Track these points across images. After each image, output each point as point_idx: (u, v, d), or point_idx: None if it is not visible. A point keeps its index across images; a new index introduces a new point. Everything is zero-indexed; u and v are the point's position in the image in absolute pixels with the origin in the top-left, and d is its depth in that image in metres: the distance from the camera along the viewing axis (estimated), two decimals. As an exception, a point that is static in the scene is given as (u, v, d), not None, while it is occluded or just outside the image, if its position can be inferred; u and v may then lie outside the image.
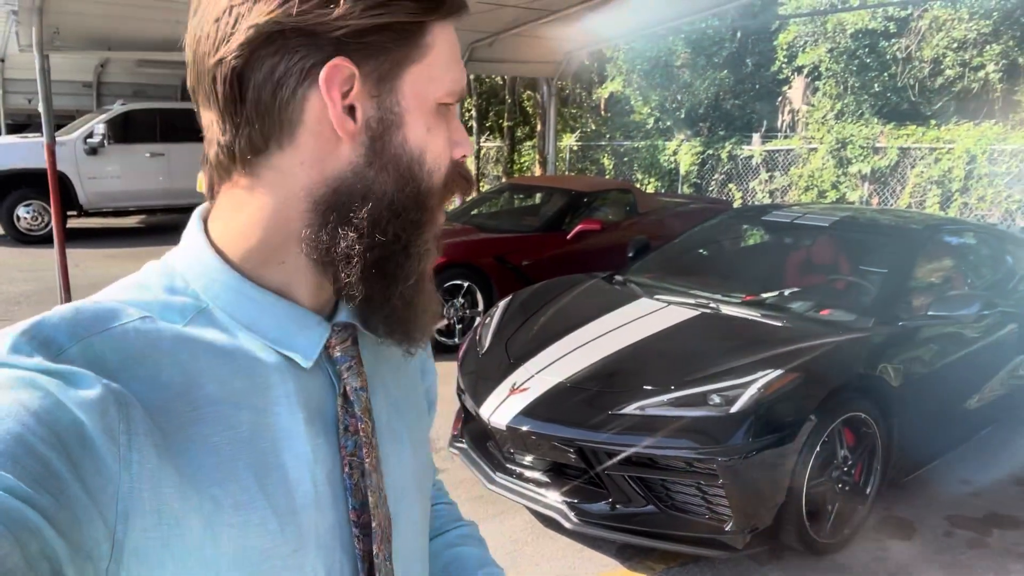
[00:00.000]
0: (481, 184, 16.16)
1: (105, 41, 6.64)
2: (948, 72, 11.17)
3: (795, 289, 3.81)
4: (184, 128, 10.43)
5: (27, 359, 0.47)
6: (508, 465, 3.14)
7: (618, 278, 4.21)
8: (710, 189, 12.60)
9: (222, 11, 0.53)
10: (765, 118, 13.89)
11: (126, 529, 0.47)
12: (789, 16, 12.33)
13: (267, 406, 0.56)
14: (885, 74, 11.65)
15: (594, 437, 2.85)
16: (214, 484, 0.52)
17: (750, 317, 3.47)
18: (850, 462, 3.05)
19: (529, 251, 6.01)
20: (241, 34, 0.52)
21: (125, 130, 10.27)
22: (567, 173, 14.28)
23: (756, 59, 13.63)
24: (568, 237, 6.21)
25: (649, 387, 2.97)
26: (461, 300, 5.61)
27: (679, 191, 12.63)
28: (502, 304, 4.07)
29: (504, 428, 3.04)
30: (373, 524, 0.61)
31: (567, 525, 2.88)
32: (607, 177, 13.74)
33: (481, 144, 16.78)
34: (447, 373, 3.85)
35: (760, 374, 2.86)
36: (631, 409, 2.88)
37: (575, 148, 15.52)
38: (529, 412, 3.02)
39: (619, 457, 2.79)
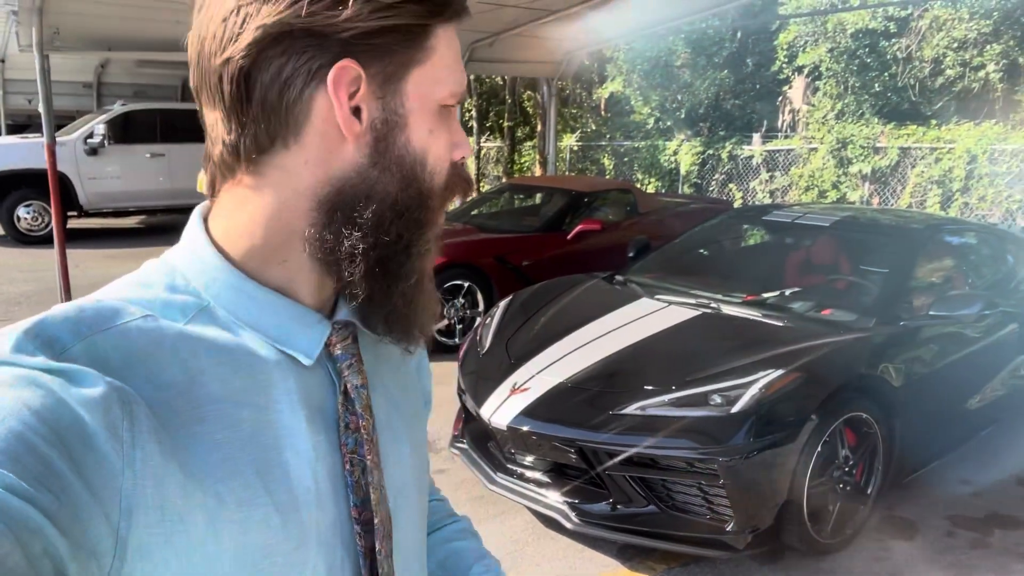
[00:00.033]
0: (481, 184, 16.16)
1: (105, 41, 6.64)
2: (948, 72, 11.17)
3: (796, 289, 3.80)
4: (184, 128, 10.43)
5: (30, 358, 0.47)
6: (509, 465, 3.14)
7: (619, 278, 4.21)
8: (710, 189, 12.59)
9: (229, 11, 0.54)
10: (765, 118, 13.89)
11: (130, 526, 0.47)
12: (789, 16, 12.33)
13: (268, 404, 0.56)
14: (885, 74, 11.65)
15: (595, 437, 2.84)
16: (218, 481, 0.52)
17: (751, 317, 3.46)
18: (851, 462, 3.04)
19: (529, 251, 6.01)
20: (249, 34, 0.53)
21: (125, 130, 10.26)
22: (567, 173, 14.27)
23: (756, 59, 13.63)
24: (568, 237, 6.20)
25: (650, 387, 2.97)
26: (461, 300, 5.61)
27: (679, 191, 12.63)
28: (502, 304, 4.07)
29: (505, 428, 3.03)
30: (375, 521, 0.62)
31: (568, 525, 2.87)
32: (607, 177, 13.73)
33: (481, 144, 16.78)
34: (448, 373, 3.85)
35: (761, 374, 2.86)
36: (632, 409, 2.87)
37: (575, 148, 15.52)
38: (530, 412, 3.01)
39: (620, 457, 2.78)
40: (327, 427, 0.60)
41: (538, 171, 12.60)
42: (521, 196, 8.14)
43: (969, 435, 3.75)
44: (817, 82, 12.35)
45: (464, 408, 3.49)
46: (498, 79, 15.98)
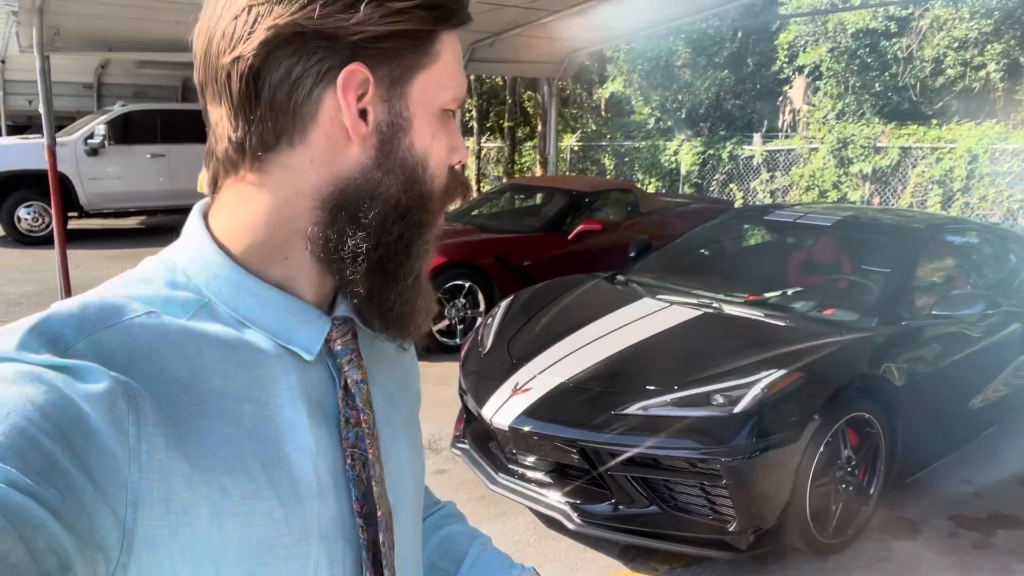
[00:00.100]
0: (482, 184, 16.16)
1: (105, 42, 6.64)
2: (949, 71, 11.16)
3: (798, 289, 3.80)
4: (185, 129, 10.43)
5: (35, 355, 0.48)
6: (510, 466, 3.13)
7: (620, 278, 4.20)
8: (711, 189, 12.58)
9: (240, 9, 0.55)
10: (766, 118, 13.89)
11: (136, 518, 0.48)
12: (790, 16, 12.32)
13: (269, 398, 0.57)
14: (886, 74, 11.64)
15: (597, 437, 2.84)
16: (224, 473, 0.53)
17: (753, 317, 3.46)
18: (854, 462, 3.04)
19: (530, 251, 6.00)
20: (260, 33, 0.54)
21: (125, 131, 10.26)
22: (568, 173, 14.27)
23: (757, 59, 13.62)
24: (569, 237, 6.20)
25: (652, 387, 2.96)
26: (462, 300, 5.61)
27: (680, 191, 12.62)
28: (504, 304, 4.07)
29: (506, 429, 3.03)
30: (378, 513, 0.63)
31: (570, 526, 2.87)
32: (608, 177, 13.73)
33: (482, 144, 16.77)
34: (449, 373, 3.85)
35: (763, 374, 2.85)
36: (634, 409, 2.87)
37: (576, 148, 15.51)
38: (531, 412, 3.01)
39: (622, 456, 2.78)
40: (327, 422, 0.61)
41: (539, 171, 12.60)
42: (522, 196, 8.14)
43: (971, 435, 3.75)
44: (818, 82, 12.34)
45: (465, 408, 3.49)
46: (498, 79, 15.98)
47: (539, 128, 13.27)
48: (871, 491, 3.13)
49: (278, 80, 0.55)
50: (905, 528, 3.26)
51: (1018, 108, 10.55)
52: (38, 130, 9.27)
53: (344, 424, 0.62)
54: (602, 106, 17.10)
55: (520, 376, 3.22)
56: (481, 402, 3.20)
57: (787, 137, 12.73)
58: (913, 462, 3.35)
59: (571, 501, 2.91)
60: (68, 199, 9.42)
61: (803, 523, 2.83)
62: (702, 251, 4.96)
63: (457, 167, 0.65)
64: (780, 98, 14.08)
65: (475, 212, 7.23)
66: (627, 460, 2.78)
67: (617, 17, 7.63)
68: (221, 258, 0.59)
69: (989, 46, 10.72)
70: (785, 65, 12.75)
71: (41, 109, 5.96)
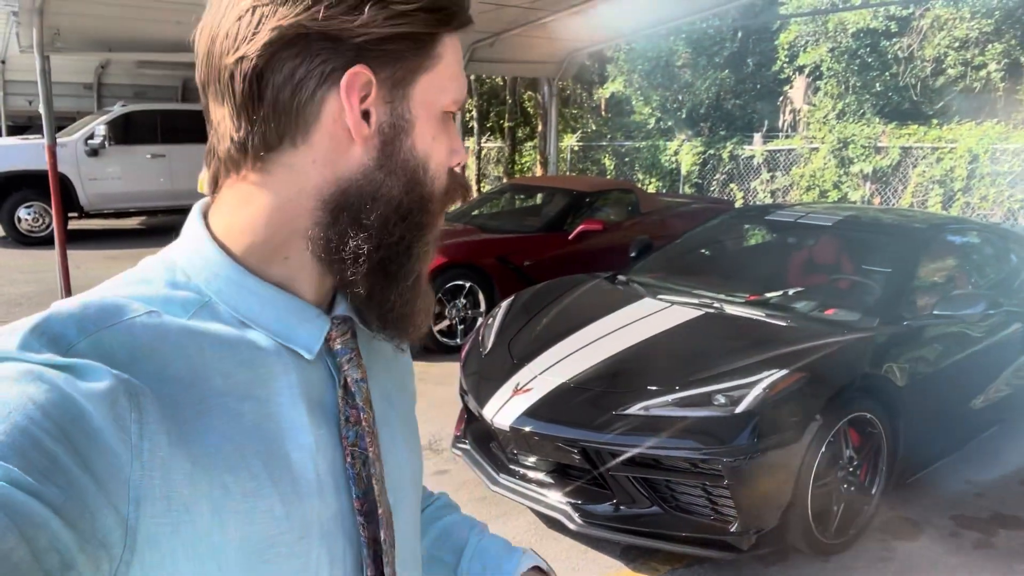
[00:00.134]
0: (482, 185, 16.15)
1: (106, 42, 6.63)
2: (950, 71, 11.16)
3: (799, 289, 3.79)
4: (185, 129, 10.43)
5: (37, 355, 0.48)
6: (511, 466, 3.13)
7: (621, 278, 4.20)
8: (711, 189, 12.57)
9: (244, 10, 0.55)
10: (766, 118, 13.88)
11: (138, 516, 0.48)
12: (790, 15, 12.32)
13: (270, 397, 0.58)
14: (887, 73, 11.64)
15: (598, 438, 2.83)
16: (226, 471, 0.53)
17: (754, 317, 3.45)
18: (855, 462, 3.03)
19: (531, 251, 6.00)
20: (265, 34, 0.54)
21: (126, 131, 10.26)
22: (568, 173, 14.26)
23: (757, 59, 13.62)
24: (570, 237, 6.19)
25: (653, 387, 2.96)
26: (463, 300, 5.60)
27: (680, 191, 12.61)
28: (504, 304, 4.06)
29: (507, 429, 3.02)
30: (379, 511, 0.63)
31: (571, 526, 2.86)
32: (608, 177, 13.72)
33: (482, 145, 16.77)
34: (449, 374, 3.85)
35: (765, 374, 2.85)
36: (635, 410, 2.86)
37: (576, 148, 15.50)
38: (533, 413, 3.00)
39: (623, 457, 2.77)
40: (327, 420, 0.61)
41: (539, 171, 12.59)
42: (522, 196, 8.13)
43: (973, 435, 3.74)
44: (818, 82, 12.34)
45: (466, 409, 3.48)
46: (498, 79, 15.98)
47: (539, 128, 13.26)
48: (873, 491, 3.12)
49: (282, 81, 0.55)
50: (907, 528, 3.26)
51: (1019, 108, 10.54)
52: (38, 130, 9.26)
53: (344, 423, 0.62)
54: (602, 106, 17.10)
55: (521, 376, 3.22)
56: (482, 402, 3.19)
57: (787, 137, 12.72)
58: (915, 462, 3.35)
59: (572, 501, 2.90)
60: (68, 199, 9.42)
61: (805, 523, 2.83)
62: (703, 251, 4.95)
63: (457, 169, 0.65)
64: (780, 98, 14.08)
65: (476, 212, 7.22)
66: (628, 460, 2.78)
67: (617, 17, 7.63)
68: (221, 257, 0.59)
69: (990, 46, 10.71)
70: (785, 65, 12.74)
71: (41, 109, 5.96)
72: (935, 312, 3.34)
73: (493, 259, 5.76)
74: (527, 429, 2.97)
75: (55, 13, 5.76)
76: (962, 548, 3.11)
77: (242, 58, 0.55)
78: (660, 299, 3.72)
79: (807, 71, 12.61)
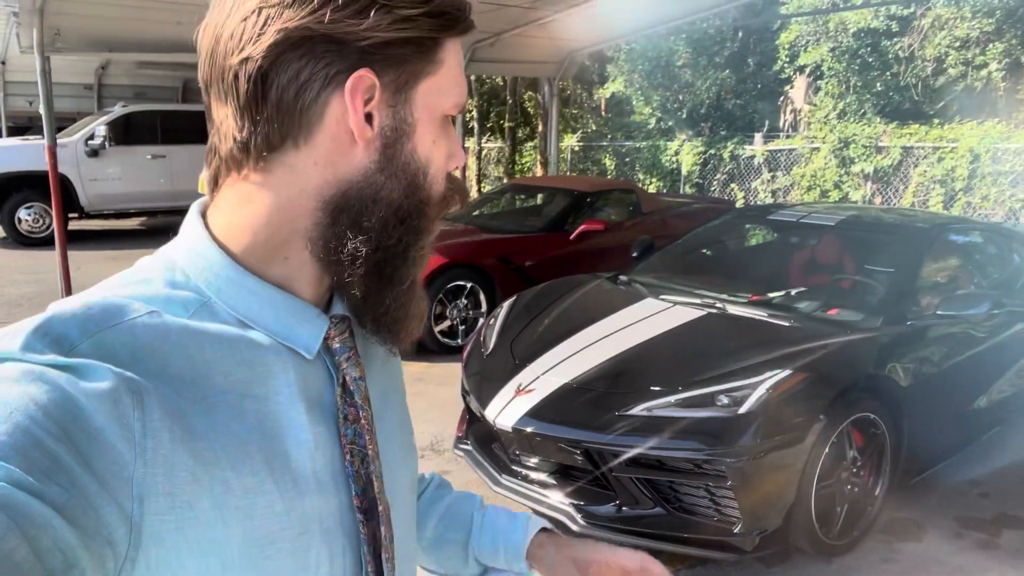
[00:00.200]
0: (483, 185, 16.14)
1: (106, 43, 6.62)
2: (951, 71, 11.15)
3: (802, 289, 3.78)
4: (185, 130, 10.43)
5: (39, 355, 0.48)
6: (514, 467, 3.12)
7: (623, 278, 4.18)
8: (712, 189, 12.56)
9: (250, 11, 0.55)
10: (767, 118, 13.88)
11: (142, 513, 0.49)
12: (791, 15, 12.31)
13: (269, 395, 0.58)
14: (887, 73, 11.63)
15: (601, 438, 2.82)
16: (228, 468, 0.53)
17: (757, 317, 3.44)
18: (859, 463, 3.02)
19: (532, 252, 5.99)
20: (270, 36, 0.54)
21: (126, 132, 10.27)
22: (568, 174, 14.25)
23: (758, 58, 13.61)
24: (571, 237, 6.18)
25: (656, 388, 2.95)
26: (464, 301, 5.59)
27: (681, 191, 12.60)
28: (506, 305, 4.05)
29: (510, 429, 3.01)
30: (379, 508, 0.64)
31: (574, 527, 2.85)
32: (609, 177, 13.71)
33: (482, 145, 16.76)
34: (451, 374, 3.84)
35: (768, 374, 2.83)
36: (638, 410, 2.85)
37: (576, 148, 15.49)
38: (535, 413, 2.99)
39: (625, 456, 2.76)
40: (326, 418, 0.62)
41: (539, 171, 12.58)
42: (523, 196, 8.12)
43: (977, 435, 3.73)
44: (819, 81, 12.33)
45: (468, 409, 3.47)
46: (499, 79, 15.97)
47: (540, 128, 13.26)
48: (876, 492, 3.11)
49: (286, 82, 0.55)
50: (910, 529, 3.24)
51: (1020, 107, 10.53)
52: (39, 131, 9.24)
53: (343, 420, 0.63)
54: (603, 106, 17.09)
55: (523, 377, 3.21)
56: (484, 403, 3.18)
57: (788, 137, 12.71)
58: (918, 462, 3.33)
59: (575, 502, 2.89)
60: (69, 200, 9.42)
61: (808, 524, 2.82)
62: (705, 251, 4.94)
63: (455, 173, 0.66)
64: (781, 98, 14.08)
65: (477, 212, 7.21)
66: (631, 461, 2.77)
67: (618, 17, 7.62)
68: (221, 257, 0.59)
69: (991, 45, 10.70)
70: (786, 65, 12.74)
71: (42, 110, 5.95)
72: (939, 312, 3.32)
73: (494, 259, 5.75)
74: (529, 430, 2.96)
75: (55, 13, 5.75)
76: (966, 549, 3.10)
77: (247, 59, 0.55)
78: (662, 299, 3.71)
79: (808, 71, 12.61)
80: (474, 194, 13.72)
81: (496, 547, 0.87)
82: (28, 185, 9.49)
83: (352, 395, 0.64)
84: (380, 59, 0.56)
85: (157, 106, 11.25)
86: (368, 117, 0.58)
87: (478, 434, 3.37)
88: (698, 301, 3.64)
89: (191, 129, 10.45)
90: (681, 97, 13.93)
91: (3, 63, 12.97)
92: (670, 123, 14.11)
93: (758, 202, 11.64)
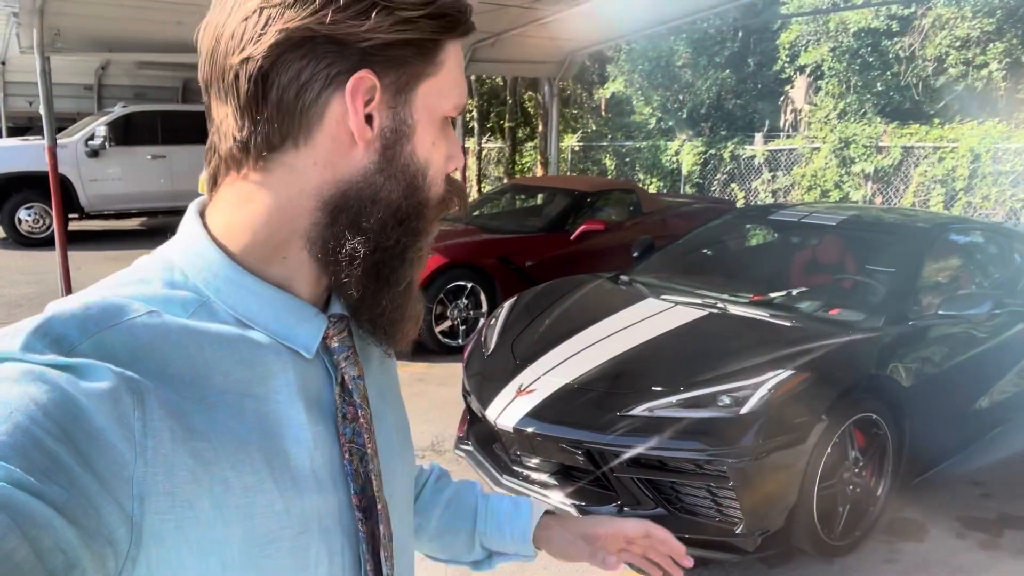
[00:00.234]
0: (483, 185, 16.14)
1: (106, 43, 6.62)
2: (951, 71, 11.14)
3: (803, 289, 3.78)
4: (185, 130, 10.43)
5: (39, 356, 0.48)
6: (515, 468, 3.11)
7: (623, 278, 4.18)
8: (712, 189, 12.56)
9: (251, 11, 0.55)
10: (767, 118, 13.87)
11: (143, 512, 0.49)
12: (791, 15, 12.31)
13: (268, 394, 0.58)
14: (888, 73, 11.62)
15: (602, 439, 2.82)
16: (228, 467, 0.54)
17: (758, 317, 3.43)
18: (861, 463, 3.02)
19: (533, 252, 5.98)
20: (271, 36, 0.55)
21: (126, 132, 10.27)
22: (568, 174, 14.25)
23: (758, 58, 13.61)
24: (572, 237, 6.18)
25: (657, 388, 2.94)
26: (465, 301, 5.59)
27: (681, 191, 12.60)
28: (507, 305, 4.04)
29: (511, 430, 3.00)
30: (378, 506, 0.64)
31: (575, 528, 2.84)
32: (609, 177, 13.71)
33: (482, 145, 16.75)
34: (452, 375, 3.84)
35: (770, 375, 2.83)
36: (639, 410, 2.85)
37: (576, 149, 15.48)
38: (536, 414, 2.99)
39: (626, 456, 2.76)
40: (324, 417, 0.62)
41: (539, 171, 12.58)
42: (523, 196, 8.12)
43: (978, 435, 3.72)
44: (819, 81, 12.32)
45: (469, 410, 3.47)
46: (499, 79, 15.96)
47: (540, 128, 13.26)
48: (878, 492, 3.11)
49: (287, 82, 0.55)
50: (912, 529, 3.24)
51: (1021, 107, 10.52)
52: (39, 132, 9.24)
53: (341, 419, 0.63)
54: (603, 106, 17.09)
55: (524, 377, 3.20)
56: (485, 403, 3.18)
57: (789, 137, 12.71)
58: (920, 463, 3.33)
59: (576, 503, 2.88)
60: (69, 201, 9.41)
61: (810, 525, 2.81)
62: (706, 251, 4.94)
63: (454, 174, 0.67)
64: (781, 98, 14.07)
65: (477, 212, 7.21)
66: (632, 461, 2.76)
67: (618, 16, 7.61)
68: (220, 257, 0.59)
69: (991, 45, 10.69)
70: (786, 65, 12.73)
71: (42, 110, 5.94)
72: (940, 312, 3.32)
73: (495, 259, 5.74)
74: (530, 430, 2.95)
75: (55, 13, 5.75)
76: (968, 549, 3.09)
77: (248, 58, 0.55)
78: (663, 299, 3.70)
79: (808, 71, 12.60)
80: (474, 194, 13.73)
81: (502, 533, 0.91)
82: (28, 185, 9.49)
83: (351, 394, 0.64)
84: (381, 60, 0.57)
85: (157, 106, 11.25)
86: (368, 118, 0.58)
87: (479, 434, 3.37)
88: (699, 301, 3.63)
89: (191, 129, 10.45)
90: (681, 97, 13.92)
91: (3, 63, 12.97)
92: (670, 123, 14.10)
93: (758, 202, 11.63)
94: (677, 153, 13.10)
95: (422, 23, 0.57)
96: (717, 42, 13.33)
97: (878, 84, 11.59)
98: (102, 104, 13.06)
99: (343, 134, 0.57)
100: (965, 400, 3.59)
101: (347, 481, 0.63)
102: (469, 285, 5.58)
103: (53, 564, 0.42)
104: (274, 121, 0.56)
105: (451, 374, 3.89)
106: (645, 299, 3.74)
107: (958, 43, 10.90)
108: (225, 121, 0.58)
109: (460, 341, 5.50)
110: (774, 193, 11.82)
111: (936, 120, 10.52)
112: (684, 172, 12.89)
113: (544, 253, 6.00)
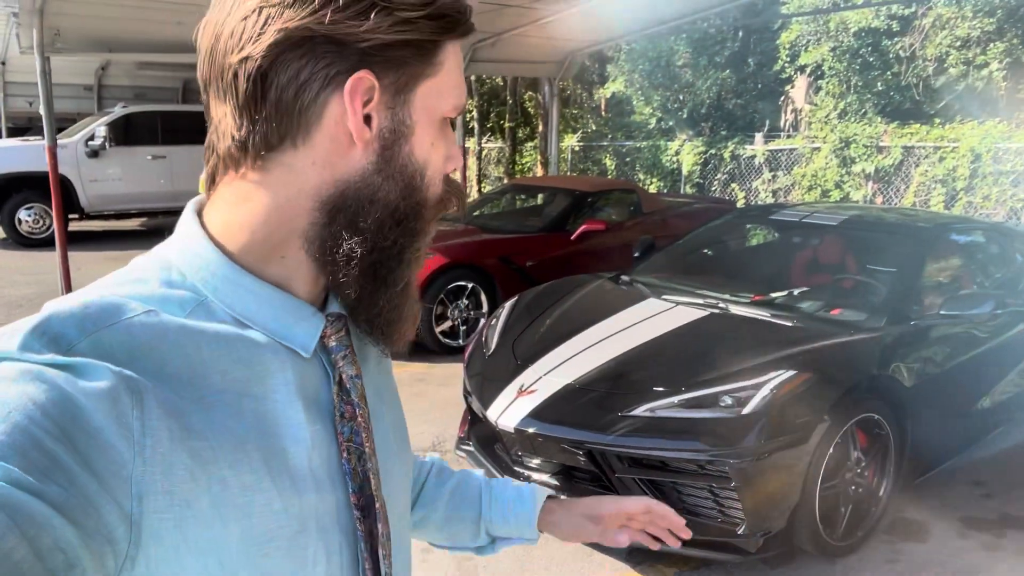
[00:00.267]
0: (483, 185, 16.13)
1: (106, 43, 6.62)
2: (952, 70, 11.14)
3: (804, 288, 3.77)
4: (185, 130, 10.43)
5: (37, 355, 0.48)
6: (516, 468, 3.10)
7: (624, 278, 4.17)
8: (713, 189, 12.55)
9: (251, 10, 0.55)
10: (768, 117, 13.87)
11: (142, 511, 0.49)
12: (791, 15, 12.31)
13: (266, 394, 0.58)
14: (888, 73, 11.62)
15: (603, 439, 2.81)
16: (226, 466, 0.54)
17: (760, 317, 3.43)
18: (863, 464, 3.01)
19: (533, 252, 5.98)
20: (270, 35, 0.54)
21: (126, 133, 10.26)
22: (569, 174, 14.24)
23: (758, 58, 13.60)
24: (572, 237, 6.17)
25: (659, 388, 2.94)
26: (465, 301, 5.58)
27: (682, 191, 12.59)
28: (508, 305, 4.04)
29: (512, 430, 3.00)
30: (376, 505, 0.65)
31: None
32: (609, 177, 13.70)
33: (482, 145, 16.75)
34: (452, 375, 3.83)
35: (772, 375, 2.82)
36: (641, 411, 2.84)
37: (577, 148, 15.48)
38: (537, 414, 2.98)
39: (627, 455, 2.75)
40: (322, 416, 0.62)
41: (540, 171, 12.57)
42: (523, 196, 8.11)
43: (980, 435, 3.71)
44: (819, 81, 12.32)
45: (470, 410, 3.46)
46: (499, 79, 15.96)
47: (540, 128, 13.24)
48: (880, 492, 3.10)
49: (286, 82, 0.55)
50: (915, 530, 3.23)
51: (1021, 107, 10.52)
52: (39, 132, 9.24)
53: (339, 419, 0.63)
54: (603, 106, 17.09)
55: (525, 377, 3.19)
56: (486, 404, 3.17)
57: (789, 137, 12.70)
58: (922, 463, 3.32)
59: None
60: (69, 201, 9.41)
61: (812, 525, 2.80)
62: (707, 251, 4.93)
63: (453, 175, 0.67)
64: (782, 98, 14.07)
65: (477, 213, 7.20)
66: (634, 462, 2.76)
67: (618, 16, 7.61)
68: (217, 256, 0.59)
69: (992, 45, 10.69)
70: (787, 64, 12.73)
71: (42, 111, 5.94)
72: (942, 312, 3.31)
73: (495, 260, 5.74)
74: (532, 431, 2.95)
75: (55, 14, 5.74)
76: (970, 549, 3.09)
77: (247, 58, 0.55)
78: (664, 299, 3.69)
79: (808, 70, 12.60)
80: (475, 194, 13.72)
81: (507, 520, 0.93)
82: (28, 186, 9.48)
83: (348, 393, 0.64)
84: (380, 61, 0.57)
85: (157, 107, 11.25)
86: (367, 118, 0.58)
87: (480, 435, 3.36)
88: (700, 301, 3.63)
89: (191, 130, 10.45)
90: (681, 97, 13.92)
91: (3, 63, 12.97)
92: (670, 123, 14.10)
93: (759, 202, 11.63)
94: (677, 153, 13.09)
95: (421, 24, 0.57)
96: (717, 42, 13.33)
97: (878, 84, 11.58)
98: (102, 104, 13.05)
99: (341, 134, 0.57)
100: (967, 400, 3.58)
101: (345, 480, 0.63)
102: (470, 285, 5.58)
103: (52, 563, 0.42)
104: (272, 120, 0.56)
105: (452, 374, 3.88)
106: (646, 299, 3.74)
107: (958, 43, 10.90)
108: (223, 120, 0.58)
109: (461, 341, 5.49)
110: (774, 193, 11.81)
111: (937, 120, 10.51)
112: (684, 172, 12.89)
113: (545, 253, 6.00)
